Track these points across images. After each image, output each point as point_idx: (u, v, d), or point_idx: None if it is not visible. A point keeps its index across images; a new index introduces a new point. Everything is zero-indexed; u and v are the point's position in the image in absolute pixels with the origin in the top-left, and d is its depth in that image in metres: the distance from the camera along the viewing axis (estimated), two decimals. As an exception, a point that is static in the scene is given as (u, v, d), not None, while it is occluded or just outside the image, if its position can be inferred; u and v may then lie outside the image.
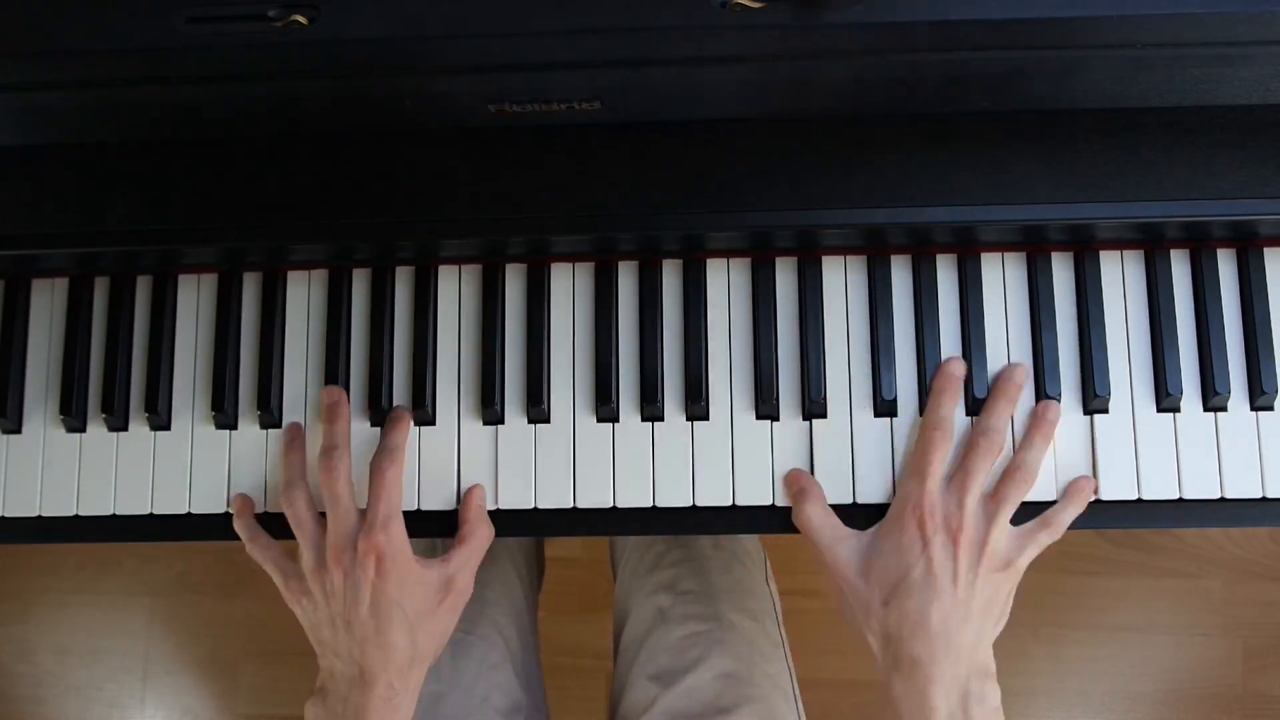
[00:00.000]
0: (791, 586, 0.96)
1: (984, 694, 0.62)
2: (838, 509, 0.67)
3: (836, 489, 0.68)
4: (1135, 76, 0.61)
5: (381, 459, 0.66)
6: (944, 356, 0.69)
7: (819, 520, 0.66)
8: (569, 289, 0.71)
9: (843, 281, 0.70)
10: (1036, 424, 0.67)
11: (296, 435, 0.70)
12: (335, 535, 0.65)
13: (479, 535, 0.68)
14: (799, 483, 0.67)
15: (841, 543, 0.66)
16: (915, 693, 0.62)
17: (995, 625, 0.65)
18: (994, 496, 0.65)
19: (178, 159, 0.67)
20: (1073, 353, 0.69)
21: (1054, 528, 0.66)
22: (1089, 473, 0.67)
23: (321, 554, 0.65)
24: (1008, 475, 0.65)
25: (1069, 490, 0.67)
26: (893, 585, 0.63)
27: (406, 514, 0.67)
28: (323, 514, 0.67)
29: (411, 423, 0.69)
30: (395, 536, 0.64)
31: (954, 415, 0.66)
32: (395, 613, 0.64)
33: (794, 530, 0.67)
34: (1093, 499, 0.67)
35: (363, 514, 0.65)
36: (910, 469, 0.66)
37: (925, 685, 0.61)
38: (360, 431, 0.70)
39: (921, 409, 0.68)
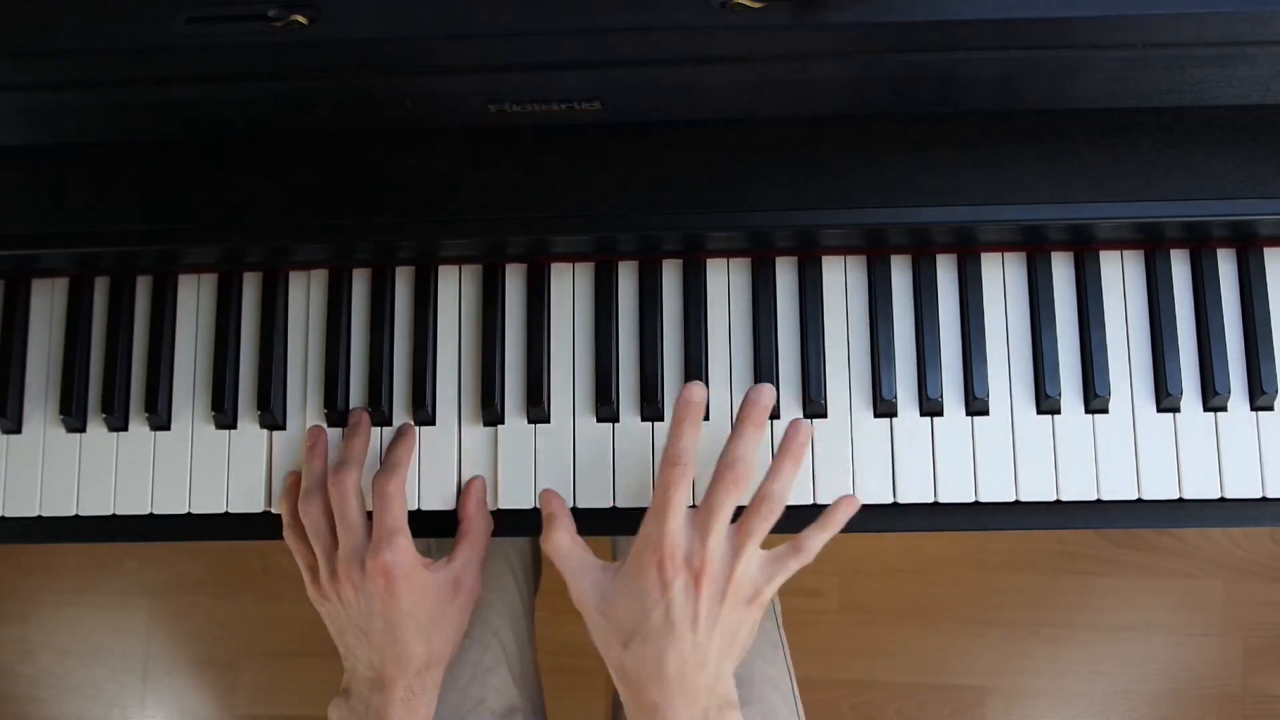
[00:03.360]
0: (791, 587, 0.96)
1: None
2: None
3: (834, 489, 0.68)
4: (1135, 76, 0.61)
5: (381, 475, 0.66)
6: (943, 357, 0.69)
7: (566, 549, 0.64)
8: (569, 289, 0.71)
9: (843, 281, 0.70)
10: (785, 448, 0.64)
11: (318, 441, 0.70)
12: (344, 551, 0.65)
13: (479, 529, 0.68)
14: (550, 505, 0.66)
15: (586, 576, 0.64)
16: None
17: (736, 657, 0.63)
18: (740, 529, 0.62)
19: (178, 159, 0.67)
20: (1073, 353, 0.69)
21: (804, 552, 0.63)
22: (1092, 472, 0.67)
23: (334, 567, 0.66)
24: (754, 507, 0.62)
25: (825, 514, 0.65)
26: (631, 629, 0.61)
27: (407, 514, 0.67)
28: None
29: (416, 440, 0.69)
30: (401, 552, 0.64)
31: (695, 448, 0.62)
32: (408, 624, 0.65)
33: (796, 528, 0.67)
34: (1084, 503, 0.67)
35: (370, 528, 0.66)
36: (651, 508, 0.62)
37: None
38: (360, 431, 0.70)
39: (922, 409, 0.68)
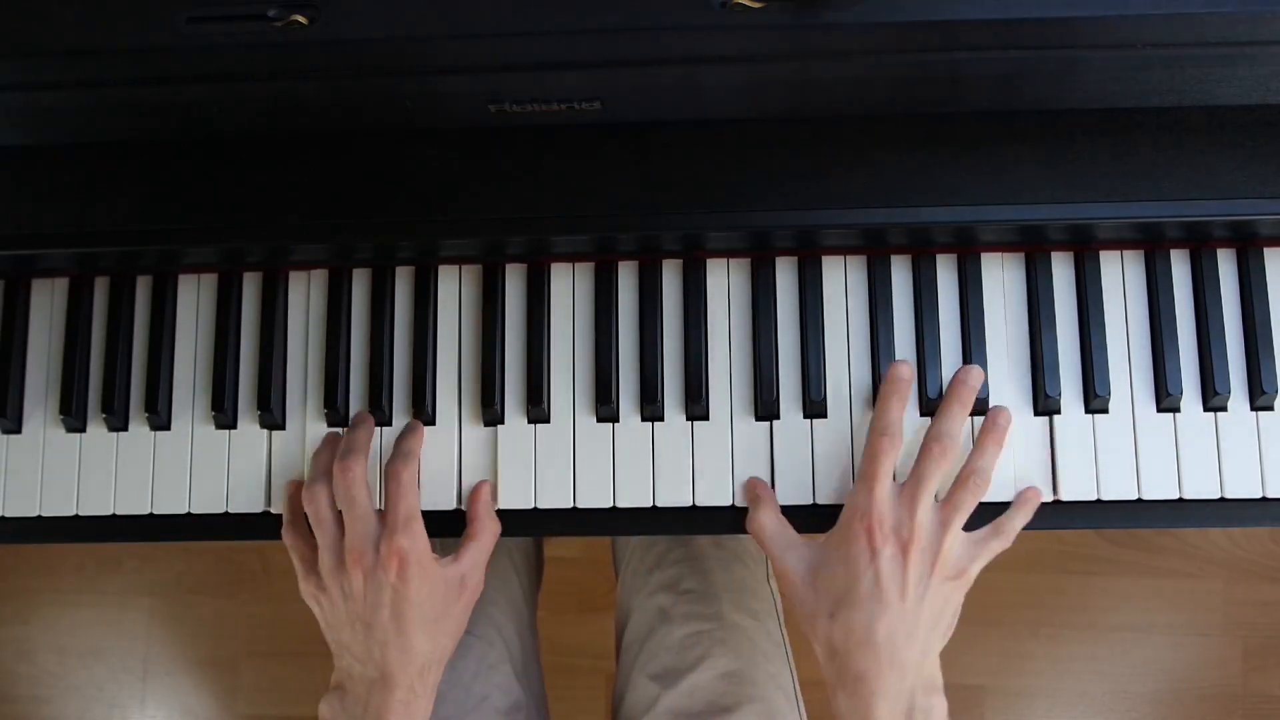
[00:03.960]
0: (791, 586, 0.96)
1: (930, 708, 0.62)
2: (835, 510, 0.67)
3: (835, 489, 0.68)
4: (1135, 76, 0.61)
5: (395, 461, 0.66)
6: (943, 357, 0.69)
7: (772, 528, 0.66)
8: (569, 289, 0.71)
9: (843, 281, 0.70)
10: (988, 430, 0.66)
11: (329, 439, 0.70)
12: (354, 538, 0.65)
13: (487, 531, 0.68)
14: (755, 490, 0.67)
15: (792, 550, 0.65)
16: (860, 707, 0.61)
17: (943, 637, 0.64)
18: (948, 503, 0.64)
19: (178, 159, 0.67)
20: (1073, 353, 0.69)
21: (1005, 535, 0.65)
22: (1091, 472, 0.67)
23: (340, 556, 0.65)
24: (961, 482, 0.64)
25: (1019, 498, 0.66)
26: (839, 597, 0.62)
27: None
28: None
29: (424, 433, 0.69)
30: (417, 538, 0.64)
31: (902, 420, 0.65)
32: (415, 615, 0.64)
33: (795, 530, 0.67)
34: (1083, 503, 0.67)
35: (381, 516, 0.66)
36: (859, 477, 0.64)
37: (870, 699, 0.61)
38: (360, 431, 0.70)
39: (921, 409, 0.68)
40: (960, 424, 0.66)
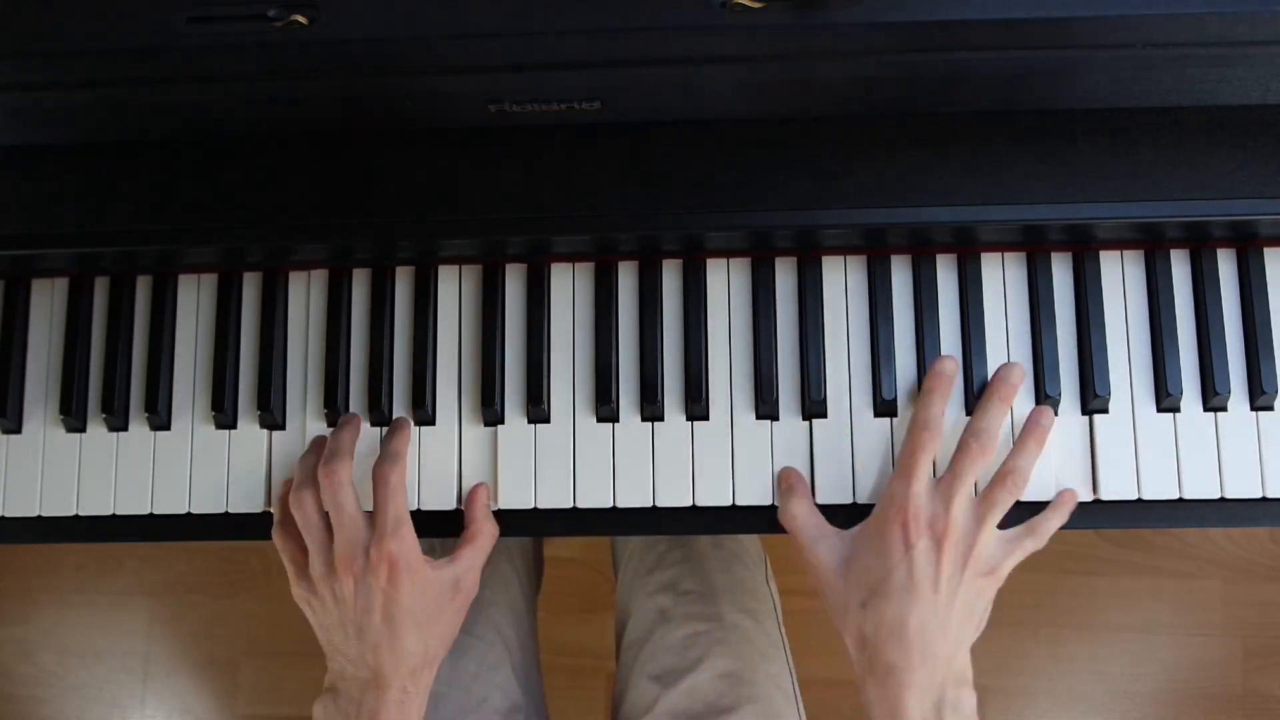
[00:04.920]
0: (792, 586, 0.96)
1: (959, 701, 0.62)
2: (838, 509, 0.67)
3: (836, 489, 0.68)
4: (1135, 76, 0.61)
5: (383, 464, 0.66)
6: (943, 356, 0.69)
7: (803, 518, 0.66)
8: (569, 289, 0.71)
9: (843, 281, 0.70)
10: (1030, 429, 0.66)
11: (316, 443, 0.69)
12: (342, 543, 0.64)
13: (485, 533, 0.68)
14: (788, 480, 0.68)
15: (823, 541, 0.65)
16: (889, 699, 0.62)
17: (974, 631, 0.65)
18: (984, 500, 0.64)
19: (178, 159, 0.67)
20: (1073, 353, 0.69)
21: (1039, 535, 0.65)
22: (1089, 472, 0.67)
23: (330, 561, 0.65)
24: (998, 480, 0.64)
25: (1057, 499, 0.66)
26: (872, 588, 0.62)
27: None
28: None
29: (412, 430, 0.69)
30: (407, 542, 0.64)
31: (943, 415, 0.65)
32: (406, 619, 0.64)
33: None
34: (1083, 503, 0.67)
35: (369, 518, 0.65)
36: (897, 470, 0.65)
37: (899, 691, 0.61)
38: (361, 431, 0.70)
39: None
40: (999, 421, 0.66)
